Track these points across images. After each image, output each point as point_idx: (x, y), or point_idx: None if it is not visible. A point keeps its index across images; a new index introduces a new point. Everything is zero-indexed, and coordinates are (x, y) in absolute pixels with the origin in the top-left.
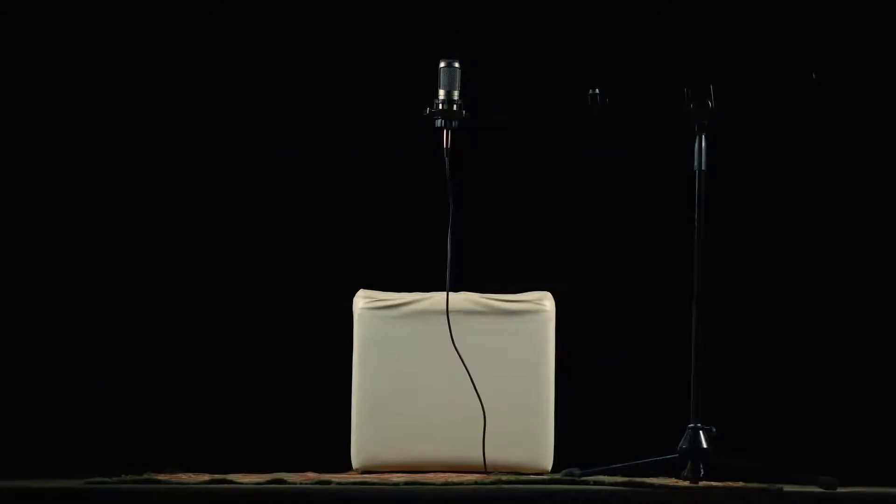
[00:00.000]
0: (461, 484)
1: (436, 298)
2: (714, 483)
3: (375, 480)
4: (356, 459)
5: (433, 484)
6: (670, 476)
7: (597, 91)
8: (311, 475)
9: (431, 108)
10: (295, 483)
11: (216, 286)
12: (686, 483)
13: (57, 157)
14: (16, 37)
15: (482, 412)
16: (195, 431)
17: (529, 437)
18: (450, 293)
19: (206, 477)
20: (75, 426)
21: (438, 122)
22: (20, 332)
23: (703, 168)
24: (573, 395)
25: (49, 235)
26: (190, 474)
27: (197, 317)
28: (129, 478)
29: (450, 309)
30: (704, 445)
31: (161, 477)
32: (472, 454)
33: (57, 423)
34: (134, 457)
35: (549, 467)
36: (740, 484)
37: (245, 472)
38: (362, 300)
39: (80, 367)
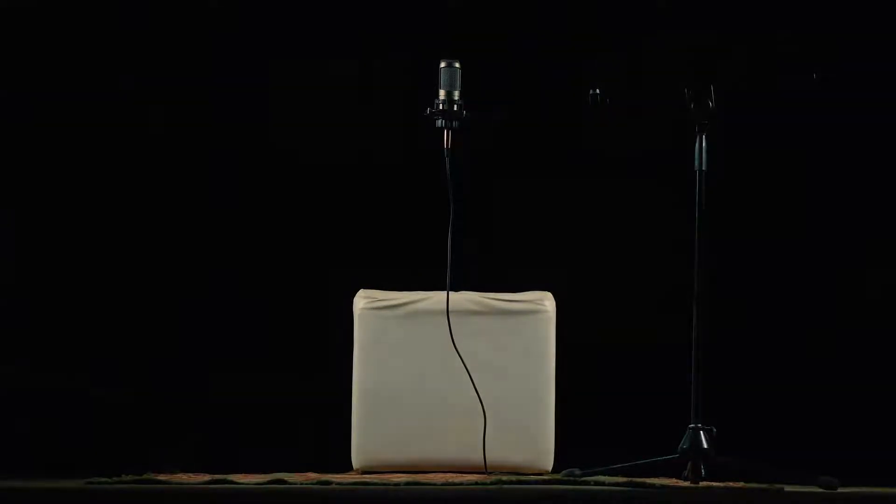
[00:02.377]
0: (462, 484)
1: (436, 298)
2: (714, 483)
3: (375, 480)
4: (356, 459)
5: (433, 484)
6: (671, 476)
7: (597, 91)
8: (312, 475)
9: (432, 108)
10: (295, 483)
11: (216, 286)
12: (687, 483)
13: (57, 156)
14: (13, 35)
15: (482, 412)
16: (195, 431)
17: (530, 437)
18: (450, 293)
19: (206, 477)
20: (75, 426)
21: (439, 122)
22: (20, 332)
23: (703, 168)
24: (573, 396)
25: (49, 235)
26: (190, 474)
27: (197, 317)
28: (129, 478)
29: (450, 309)
30: (705, 446)
31: (161, 477)
32: (473, 454)
33: (57, 423)
34: (134, 457)
35: (550, 467)
36: (741, 484)
37: (245, 472)
38: (362, 300)
39: (80, 367)
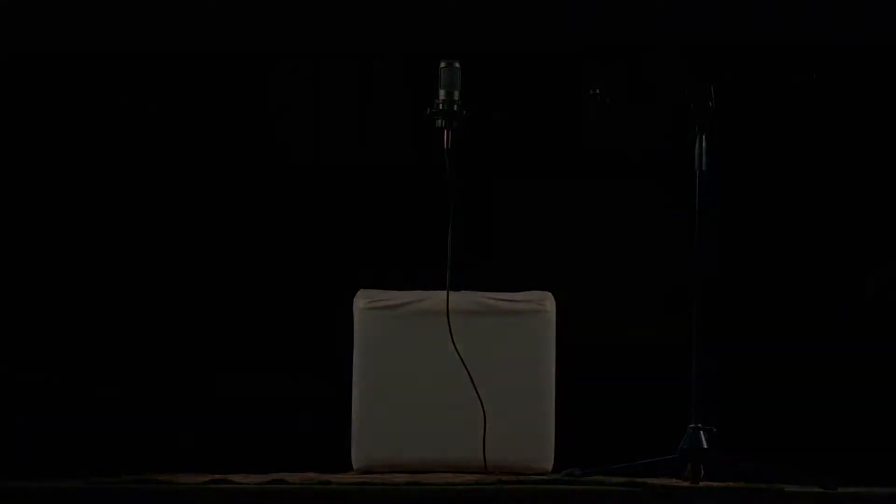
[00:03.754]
0: (462, 484)
1: (436, 298)
2: (714, 483)
3: (375, 480)
4: (356, 459)
5: (433, 484)
6: (671, 476)
7: (597, 91)
8: (312, 475)
9: (432, 108)
10: (295, 483)
11: (216, 287)
12: (686, 483)
13: (56, 156)
14: (10, 32)
15: (482, 412)
16: (196, 431)
17: (530, 437)
18: (450, 293)
19: (206, 477)
20: (75, 426)
21: (439, 123)
22: (20, 331)
23: (704, 168)
24: (574, 396)
25: (50, 234)
26: (190, 474)
27: (198, 317)
28: (129, 478)
29: (450, 309)
30: (705, 446)
31: (161, 477)
32: (473, 454)
33: (57, 423)
34: (134, 457)
35: (550, 468)
36: (740, 484)
37: (245, 472)
38: (362, 300)
39: (80, 366)
